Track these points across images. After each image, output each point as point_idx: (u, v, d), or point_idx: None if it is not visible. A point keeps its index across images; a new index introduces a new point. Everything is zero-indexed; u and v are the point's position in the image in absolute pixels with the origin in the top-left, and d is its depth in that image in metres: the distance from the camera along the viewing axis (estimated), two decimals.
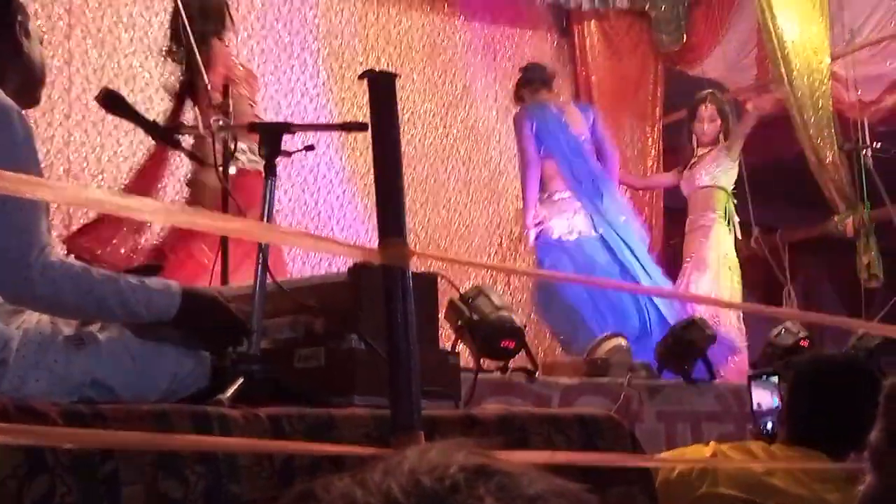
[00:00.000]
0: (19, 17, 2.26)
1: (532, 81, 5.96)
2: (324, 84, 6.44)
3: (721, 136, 6.24)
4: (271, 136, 2.46)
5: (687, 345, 4.34)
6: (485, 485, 0.54)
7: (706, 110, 6.27)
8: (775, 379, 2.95)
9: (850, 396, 2.19)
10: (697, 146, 6.30)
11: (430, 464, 0.54)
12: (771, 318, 5.09)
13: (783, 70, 6.36)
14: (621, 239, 5.60)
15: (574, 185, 5.69)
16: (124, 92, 4.75)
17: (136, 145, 5.48)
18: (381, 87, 1.73)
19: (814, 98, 6.39)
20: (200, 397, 2.16)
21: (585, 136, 5.87)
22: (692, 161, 6.28)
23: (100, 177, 5.52)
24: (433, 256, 4.76)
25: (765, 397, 3.03)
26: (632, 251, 5.57)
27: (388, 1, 6.81)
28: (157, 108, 5.58)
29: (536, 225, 5.67)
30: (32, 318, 2.09)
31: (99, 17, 5.62)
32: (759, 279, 7.48)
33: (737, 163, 6.26)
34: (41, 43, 2.33)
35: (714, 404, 4.36)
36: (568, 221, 5.63)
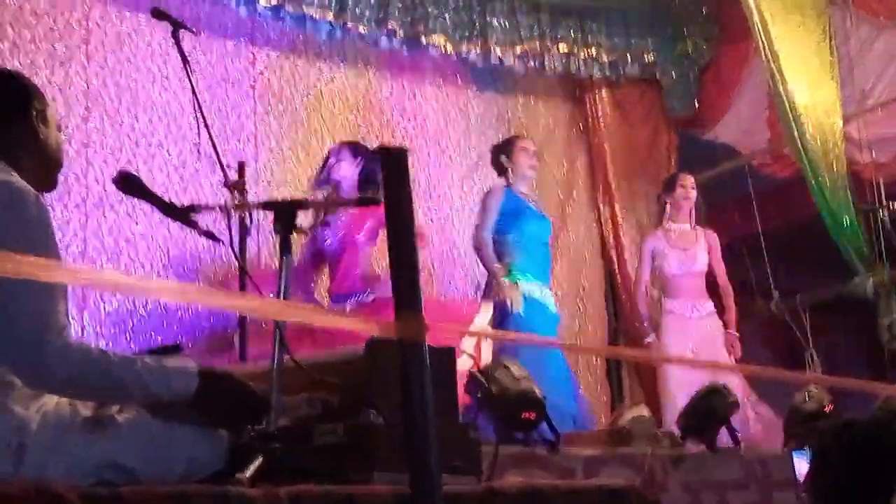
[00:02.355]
0: (36, 104, 2.29)
1: None
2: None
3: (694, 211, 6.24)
4: (285, 214, 2.48)
5: (709, 412, 4.30)
6: None
7: (687, 179, 6.29)
8: None
9: (876, 464, 2.16)
10: (673, 221, 6.25)
11: None
12: (794, 383, 5.03)
13: (795, 133, 6.38)
14: None
15: None
16: (142, 173, 4.80)
17: (155, 227, 5.52)
18: (394, 162, 1.74)
19: (828, 160, 6.39)
20: (220, 477, 2.14)
21: None
22: (672, 235, 6.20)
23: (116, 259, 5.54)
24: (450, 329, 4.76)
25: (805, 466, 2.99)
26: None
27: (402, 74, 6.89)
28: (175, 187, 5.65)
29: None
30: (51, 402, 2.09)
31: (116, 99, 5.69)
32: (780, 343, 7.43)
33: None
34: (59, 129, 2.36)
35: (739, 473, 4.30)
36: None
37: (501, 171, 5.84)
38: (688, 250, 6.12)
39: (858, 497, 2.20)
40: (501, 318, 5.41)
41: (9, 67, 2.64)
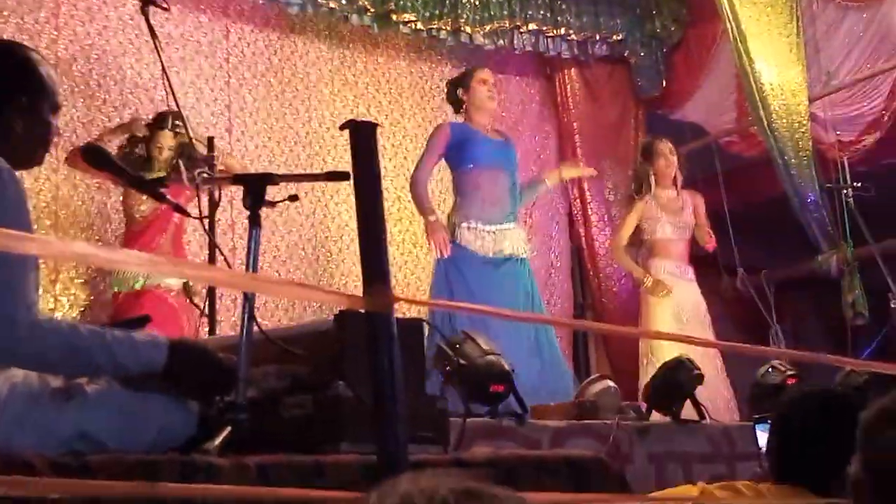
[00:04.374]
0: (22, 96, 2.27)
1: None
2: (315, 132, 6.50)
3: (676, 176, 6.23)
4: (255, 188, 2.49)
5: (675, 385, 4.35)
6: None
7: (666, 146, 6.28)
8: None
9: (828, 431, 2.21)
10: (657, 186, 6.23)
11: (421, 486, 0.57)
12: (758, 358, 5.10)
13: (762, 113, 6.44)
14: None
15: None
16: (114, 146, 4.80)
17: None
18: (363, 136, 1.75)
19: (794, 139, 6.46)
20: (188, 447, 2.17)
21: None
22: (661, 201, 6.20)
23: (90, 230, 5.54)
24: (418, 302, 4.79)
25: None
26: None
27: (377, 50, 6.89)
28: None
29: None
30: (20, 372, 2.10)
31: (87, 71, 5.66)
32: (745, 320, 7.51)
33: None
34: (53, 114, 2.34)
35: (705, 445, 4.35)
36: None
37: (458, 105, 5.69)
38: (678, 215, 6.15)
39: (814, 465, 2.25)
40: (444, 268, 5.27)
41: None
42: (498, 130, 5.81)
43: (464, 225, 5.40)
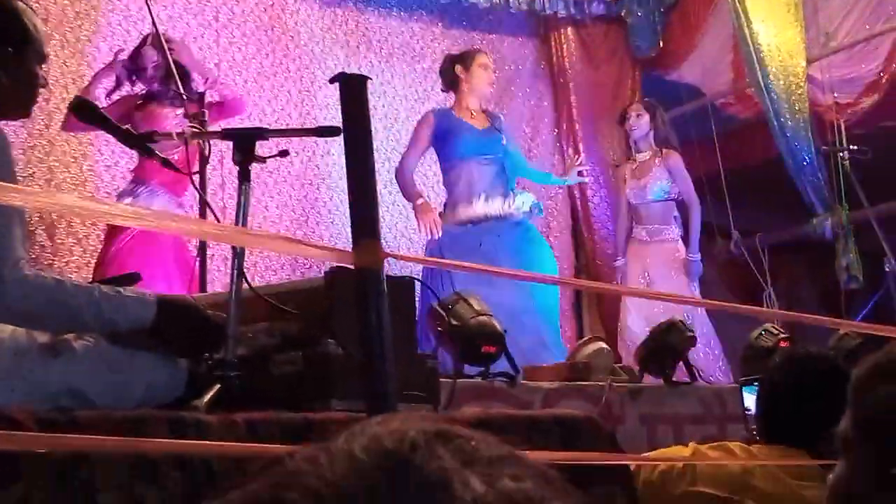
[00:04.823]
0: (9, 48, 2.24)
1: None
2: (308, 90, 6.45)
3: (652, 137, 6.20)
4: (245, 143, 2.47)
5: (667, 347, 4.35)
6: (444, 446, 0.56)
7: (632, 108, 6.31)
8: None
9: (819, 392, 2.21)
10: (636, 151, 6.25)
11: (391, 428, 0.56)
12: (751, 319, 5.10)
13: (759, 74, 6.40)
14: None
15: None
16: (104, 101, 4.75)
17: (119, 153, 5.47)
18: (353, 89, 1.73)
19: (790, 101, 6.43)
20: (177, 404, 2.15)
21: None
22: (632, 166, 6.22)
23: (83, 187, 5.51)
24: (408, 259, 4.77)
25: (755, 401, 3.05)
26: None
27: (368, 9, 6.83)
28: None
29: None
30: (7, 328, 2.09)
31: (77, 27, 5.61)
32: (739, 283, 7.52)
33: None
34: (39, 65, 2.31)
35: (696, 407, 4.36)
36: None
37: (452, 82, 5.57)
38: (642, 179, 6.15)
39: (803, 425, 2.25)
40: (437, 250, 5.21)
41: None
42: (485, 111, 5.66)
43: (451, 215, 5.40)
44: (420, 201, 5.30)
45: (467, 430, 0.57)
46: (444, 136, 5.44)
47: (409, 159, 5.46)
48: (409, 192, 5.37)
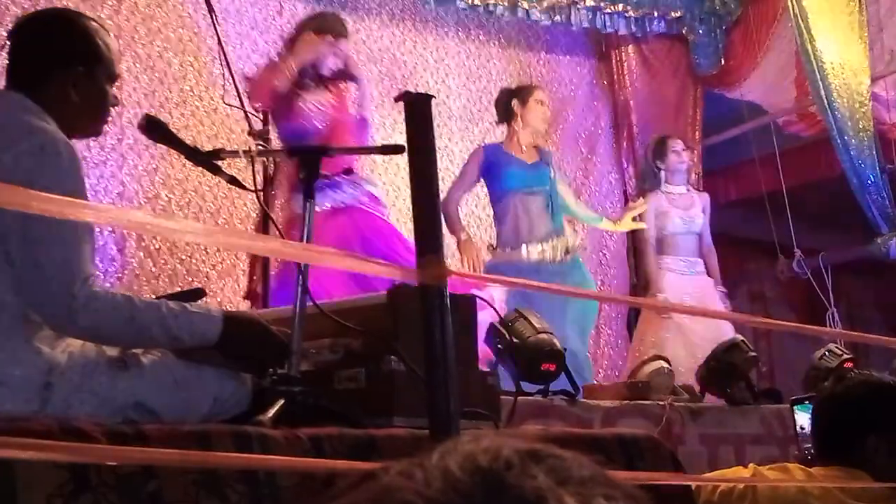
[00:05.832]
0: (80, 65, 2.29)
1: None
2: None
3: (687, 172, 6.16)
4: (309, 160, 2.49)
5: (729, 367, 4.31)
6: (538, 464, 0.57)
7: (675, 143, 6.22)
8: None
9: (874, 415, 2.21)
10: (666, 182, 6.17)
11: (484, 446, 0.57)
12: (814, 340, 5.04)
13: (822, 91, 6.33)
14: None
15: None
16: (175, 117, 4.82)
17: (190, 168, 5.54)
18: (418, 108, 1.74)
19: (854, 119, 6.35)
20: (241, 419, 2.18)
21: None
22: (668, 197, 6.13)
23: (155, 200, 5.59)
24: (472, 277, 4.77)
25: (808, 421, 3.02)
26: None
27: (426, 29, 6.86)
28: (207, 132, 5.68)
29: None
30: (77, 342, 2.13)
31: (148, 43, 5.70)
32: (801, 303, 7.42)
33: None
34: (110, 84, 2.36)
35: (758, 427, 4.31)
36: None
37: (506, 115, 5.51)
38: (688, 210, 6.11)
39: (859, 446, 2.24)
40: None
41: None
42: (536, 147, 5.56)
43: (499, 250, 5.38)
44: (464, 236, 5.28)
45: (559, 450, 0.58)
46: (492, 169, 5.42)
47: (455, 192, 5.41)
48: (453, 225, 5.28)
